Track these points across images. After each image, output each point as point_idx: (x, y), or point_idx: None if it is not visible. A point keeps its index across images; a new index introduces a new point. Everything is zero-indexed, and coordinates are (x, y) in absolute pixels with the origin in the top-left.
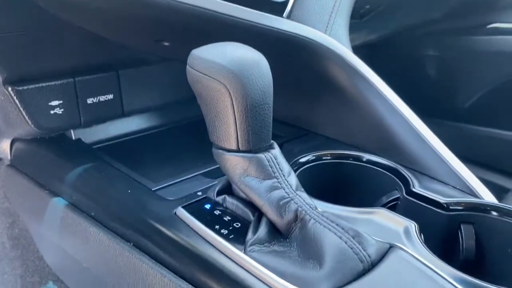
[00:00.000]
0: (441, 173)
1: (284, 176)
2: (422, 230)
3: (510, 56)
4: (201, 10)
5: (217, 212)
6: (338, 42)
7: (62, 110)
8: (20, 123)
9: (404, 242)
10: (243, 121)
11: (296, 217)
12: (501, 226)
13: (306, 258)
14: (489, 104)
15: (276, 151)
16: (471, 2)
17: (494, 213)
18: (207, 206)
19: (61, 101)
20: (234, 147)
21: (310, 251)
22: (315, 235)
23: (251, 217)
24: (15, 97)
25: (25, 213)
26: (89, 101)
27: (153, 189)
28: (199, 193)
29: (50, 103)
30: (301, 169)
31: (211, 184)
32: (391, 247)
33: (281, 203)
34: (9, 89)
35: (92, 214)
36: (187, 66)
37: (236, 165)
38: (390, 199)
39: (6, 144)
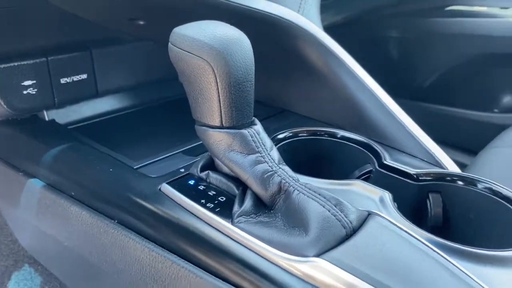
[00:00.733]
0: (409, 146)
1: (267, 150)
2: (394, 199)
3: (466, 38)
4: None
5: (201, 187)
6: (310, 21)
7: (35, 90)
8: None
9: (380, 210)
10: (226, 98)
11: (280, 189)
12: (465, 194)
13: (292, 227)
14: (446, 83)
15: (258, 127)
16: None
17: (460, 182)
18: (191, 182)
19: (34, 81)
20: (217, 123)
21: (295, 220)
22: (299, 205)
23: (236, 191)
24: None
25: None
26: (63, 81)
27: (134, 167)
28: (182, 170)
29: (22, 83)
30: (278, 145)
31: (193, 161)
32: (369, 214)
33: (265, 176)
34: None
35: (72, 193)
36: (170, 44)
37: (220, 141)
38: (363, 172)
39: None
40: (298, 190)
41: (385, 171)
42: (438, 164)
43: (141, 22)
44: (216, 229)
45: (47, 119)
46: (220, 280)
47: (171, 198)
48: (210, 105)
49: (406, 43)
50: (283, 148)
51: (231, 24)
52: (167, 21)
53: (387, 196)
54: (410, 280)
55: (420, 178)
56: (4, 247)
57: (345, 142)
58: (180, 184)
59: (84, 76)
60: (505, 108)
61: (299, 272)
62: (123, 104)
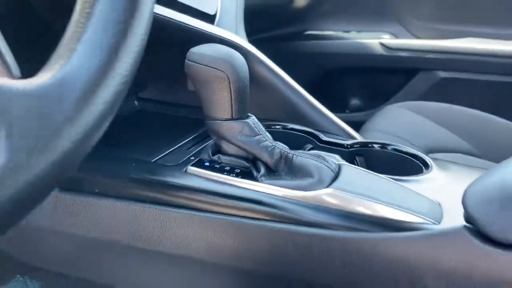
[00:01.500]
0: (332, 129)
1: (265, 133)
2: None
3: (322, 55)
4: (162, 18)
5: (217, 166)
6: (241, 39)
7: None
8: None
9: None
10: (236, 98)
11: (281, 157)
12: (380, 154)
13: (299, 178)
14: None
15: (254, 117)
16: (293, 14)
17: (376, 146)
18: (207, 164)
19: None
20: (229, 116)
21: (299, 174)
22: (300, 163)
23: (246, 164)
24: None
25: None
26: None
27: (152, 161)
28: (192, 158)
29: None
30: None
31: (199, 149)
32: (340, 164)
33: (269, 149)
34: None
35: (96, 190)
36: (188, 62)
37: (232, 128)
38: (308, 149)
39: None
40: (295, 155)
41: (324, 145)
42: (353, 137)
43: None
44: (248, 189)
45: None
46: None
47: (200, 176)
48: (223, 103)
49: (280, 62)
50: None
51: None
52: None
53: (338, 157)
54: (389, 196)
55: (349, 146)
56: None
57: (291, 131)
58: (201, 165)
59: None
60: (353, 108)
61: (317, 201)
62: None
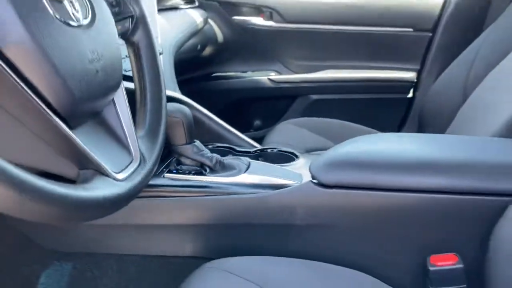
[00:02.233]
0: (243, 144)
1: (205, 149)
2: None
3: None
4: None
5: (181, 171)
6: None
7: None
8: None
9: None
10: (188, 131)
11: (216, 161)
12: (271, 154)
13: (227, 171)
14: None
15: (198, 141)
16: (203, 61)
17: (269, 150)
18: (175, 171)
19: None
20: (185, 142)
21: (227, 169)
22: (227, 163)
23: (198, 168)
24: None
25: None
26: None
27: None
28: (164, 169)
29: None
30: None
31: (166, 164)
32: (249, 161)
33: (209, 158)
34: None
35: None
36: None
37: (188, 149)
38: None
39: None
40: (224, 159)
41: (239, 153)
42: (256, 147)
43: None
44: (200, 181)
45: None
46: (210, 197)
47: (173, 178)
48: (181, 135)
49: (197, 99)
50: None
51: None
52: None
53: (248, 158)
54: (276, 174)
55: (254, 152)
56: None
57: (219, 148)
58: (171, 172)
59: None
60: (256, 128)
61: (238, 181)
62: None
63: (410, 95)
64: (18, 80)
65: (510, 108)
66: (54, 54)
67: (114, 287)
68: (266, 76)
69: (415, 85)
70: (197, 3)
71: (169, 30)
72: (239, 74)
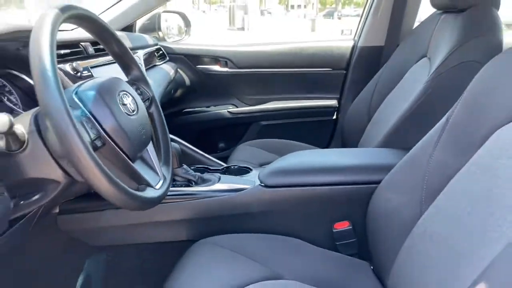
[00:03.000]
0: (212, 164)
1: (190, 169)
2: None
3: (196, 123)
4: None
5: (174, 184)
6: None
7: None
8: None
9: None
10: (179, 160)
11: (198, 177)
12: (234, 169)
13: (206, 183)
14: (197, 145)
15: (185, 165)
16: (174, 99)
17: (232, 167)
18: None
19: None
20: (176, 167)
21: (206, 182)
22: (205, 178)
23: (186, 182)
24: None
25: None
26: None
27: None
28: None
29: None
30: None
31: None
32: (220, 175)
33: (193, 175)
34: None
35: None
36: None
37: (178, 170)
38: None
39: None
40: (203, 175)
41: (212, 171)
42: (223, 165)
43: None
44: (189, 190)
45: None
46: (195, 201)
47: (174, 190)
48: (175, 163)
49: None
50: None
51: None
52: None
53: (218, 174)
54: (237, 182)
55: (222, 169)
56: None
57: (197, 168)
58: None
59: None
60: (221, 149)
61: (213, 188)
62: None
63: (335, 117)
64: (112, 143)
65: (388, 126)
66: (126, 129)
67: (134, 267)
68: (226, 109)
69: (337, 109)
70: (167, 58)
71: (153, 84)
72: (204, 109)
